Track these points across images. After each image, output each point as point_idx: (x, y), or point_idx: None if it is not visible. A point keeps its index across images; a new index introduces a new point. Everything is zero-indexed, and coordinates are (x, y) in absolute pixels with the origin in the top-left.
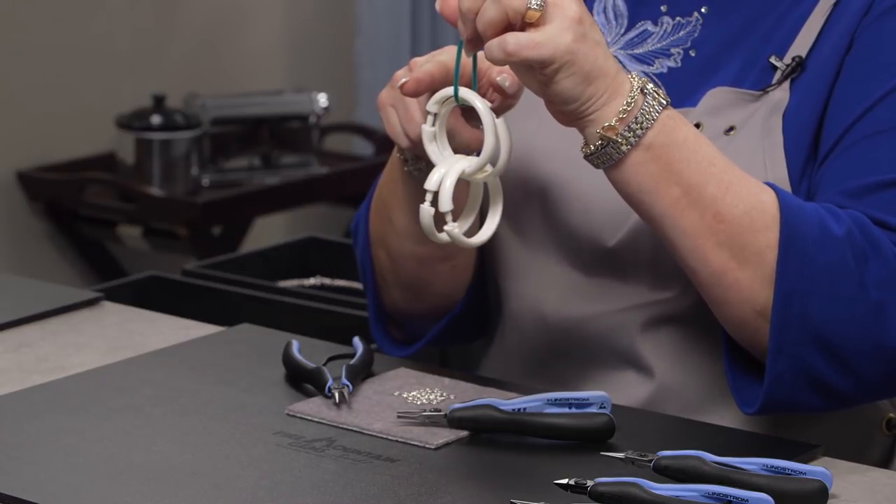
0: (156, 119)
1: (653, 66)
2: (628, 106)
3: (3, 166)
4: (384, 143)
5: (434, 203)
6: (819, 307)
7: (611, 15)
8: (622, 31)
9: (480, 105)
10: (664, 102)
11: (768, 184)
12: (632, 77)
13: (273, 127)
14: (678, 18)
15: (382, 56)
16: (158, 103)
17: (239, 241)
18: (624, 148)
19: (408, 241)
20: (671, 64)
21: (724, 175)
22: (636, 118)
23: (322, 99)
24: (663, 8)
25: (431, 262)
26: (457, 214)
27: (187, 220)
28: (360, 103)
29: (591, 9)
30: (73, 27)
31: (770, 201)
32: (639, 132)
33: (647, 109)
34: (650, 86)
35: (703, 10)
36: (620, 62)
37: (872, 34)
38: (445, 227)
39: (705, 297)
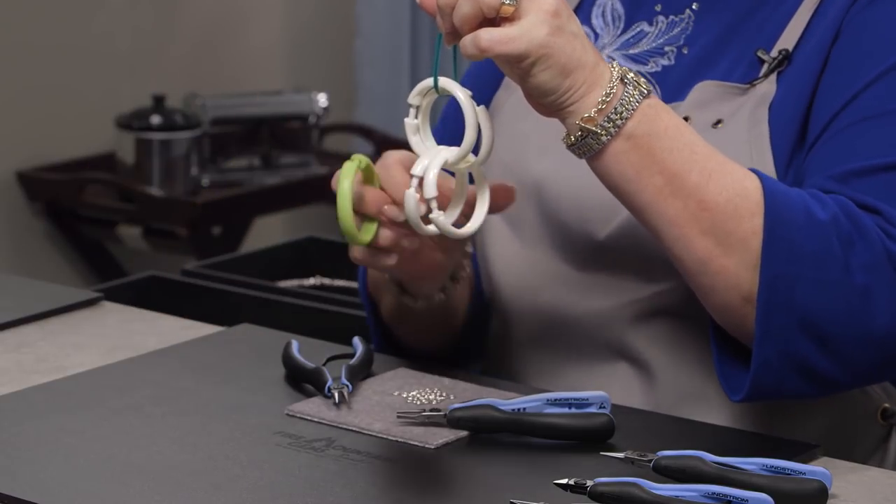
0: (156, 119)
1: (647, 65)
2: (607, 96)
3: (3, 166)
4: (384, 143)
5: (419, 189)
6: (805, 292)
7: (609, 18)
8: (619, 32)
9: (461, 94)
10: (645, 91)
11: (753, 170)
12: (612, 67)
13: (273, 127)
14: (671, 17)
15: (382, 56)
16: (158, 103)
17: (239, 241)
18: (604, 138)
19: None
20: (665, 62)
21: (707, 162)
22: (615, 108)
23: (322, 99)
24: (657, 7)
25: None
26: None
27: (187, 220)
28: (360, 103)
29: (589, 12)
30: (73, 27)
31: (754, 188)
32: (618, 122)
33: (626, 99)
34: (630, 75)
35: (693, 6)
36: (616, 62)
37: (858, 23)
38: (431, 216)
39: (692, 286)
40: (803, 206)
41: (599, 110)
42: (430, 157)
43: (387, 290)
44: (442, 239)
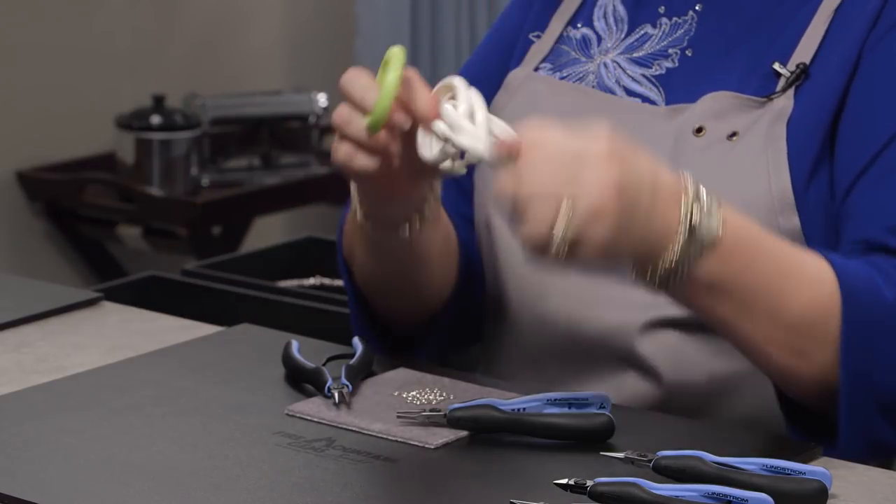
0: (156, 119)
1: (651, 68)
2: (677, 255)
3: (2, 166)
4: None
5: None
6: (883, 377)
7: (611, 20)
8: (622, 35)
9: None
10: (717, 232)
11: (821, 252)
12: (679, 223)
13: (273, 127)
14: (675, 18)
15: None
16: (158, 103)
17: (238, 241)
18: (676, 280)
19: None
20: (669, 65)
21: (780, 277)
22: (684, 261)
23: (322, 99)
24: (661, 9)
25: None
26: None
27: (187, 220)
28: None
29: (591, 14)
30: (73, 27)
31: (829, 286)
32: (687, 271)
33: (694, 249)
34: (696, 218)
35: (697, 7)
36: (620, 66)
37: (883, 52)
38: (446, 148)
39: (769, 378)
40: (875, 291)
41: (671, 269)
42: (476, 102)
43: (355, 229)
44: (412, 165)
